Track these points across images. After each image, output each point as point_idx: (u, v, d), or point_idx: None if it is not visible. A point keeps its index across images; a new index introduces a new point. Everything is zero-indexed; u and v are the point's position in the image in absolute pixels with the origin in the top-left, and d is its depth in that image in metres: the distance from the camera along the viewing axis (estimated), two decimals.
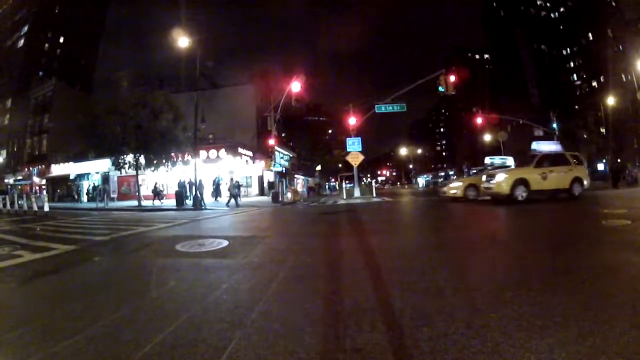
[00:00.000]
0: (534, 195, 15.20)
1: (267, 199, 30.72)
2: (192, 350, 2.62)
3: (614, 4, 55.16)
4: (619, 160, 40.08)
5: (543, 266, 4.63)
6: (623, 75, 47.82)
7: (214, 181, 30.71)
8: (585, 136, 45.56)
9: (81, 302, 4.01)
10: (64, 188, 44.76)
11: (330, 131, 63.90)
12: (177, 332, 2.92)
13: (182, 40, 21.67)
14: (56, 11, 71.07)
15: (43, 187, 47.80)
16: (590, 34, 63.37)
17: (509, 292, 3.48)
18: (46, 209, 20.90)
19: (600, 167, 50.10)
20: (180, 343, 2.74)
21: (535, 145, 17.65)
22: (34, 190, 46.86)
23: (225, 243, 7.35)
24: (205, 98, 30.78)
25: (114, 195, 36.40)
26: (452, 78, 24.73)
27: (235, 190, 23.13)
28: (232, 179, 25.46)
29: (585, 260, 4.79)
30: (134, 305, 3.80)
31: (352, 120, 27.37)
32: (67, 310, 3.73)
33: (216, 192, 29.41)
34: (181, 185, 24.84)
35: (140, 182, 26.80)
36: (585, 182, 16.01)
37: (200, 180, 25.39)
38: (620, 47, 51.06)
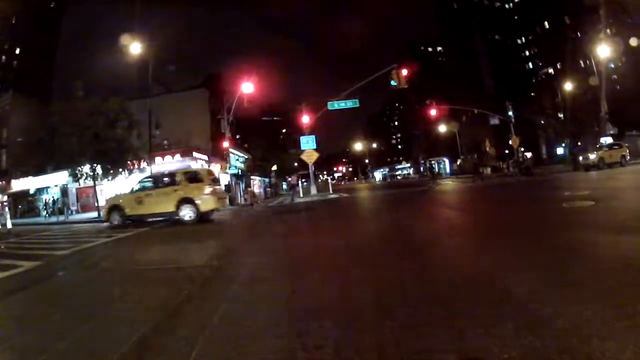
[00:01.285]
0: (136, 220, 14.99)
1: None
2: (158, 357, 2.70)
3: None
4: (579, 144, 41.13)
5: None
6: (582, 61, 48.91)
7: None
8: (542, 122, 46.72)
9: (49, 318, 4.01)
10: (25, 203, 43.62)
11: (284, 130, 63.45)
12: (142, 341, 2.97)
13: (135, 47, 21.53)
14: (13, 22, 69.21)
15: (5, 203, 46.43)
16: (546, 22, 64.56)
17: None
18: (9, 226, 20.66)
19: (560, 151, 51.83)
20: (146, 351, 2.81)
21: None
22: None
23: (185, 249, 7.40)
24: (159, 103, 30.24)
25: (74, 208, 35.59)
26: (405, 72, 25.06)
27: None
28: None
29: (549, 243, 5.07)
30: (99, 318, 3.87)
31: (306, 119, 27.46)
32: (36, 327, 3.77)
33: None
34: None
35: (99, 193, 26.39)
36: (204, 204, 14.12)
37: None
38: (579, 33, 52.14)
